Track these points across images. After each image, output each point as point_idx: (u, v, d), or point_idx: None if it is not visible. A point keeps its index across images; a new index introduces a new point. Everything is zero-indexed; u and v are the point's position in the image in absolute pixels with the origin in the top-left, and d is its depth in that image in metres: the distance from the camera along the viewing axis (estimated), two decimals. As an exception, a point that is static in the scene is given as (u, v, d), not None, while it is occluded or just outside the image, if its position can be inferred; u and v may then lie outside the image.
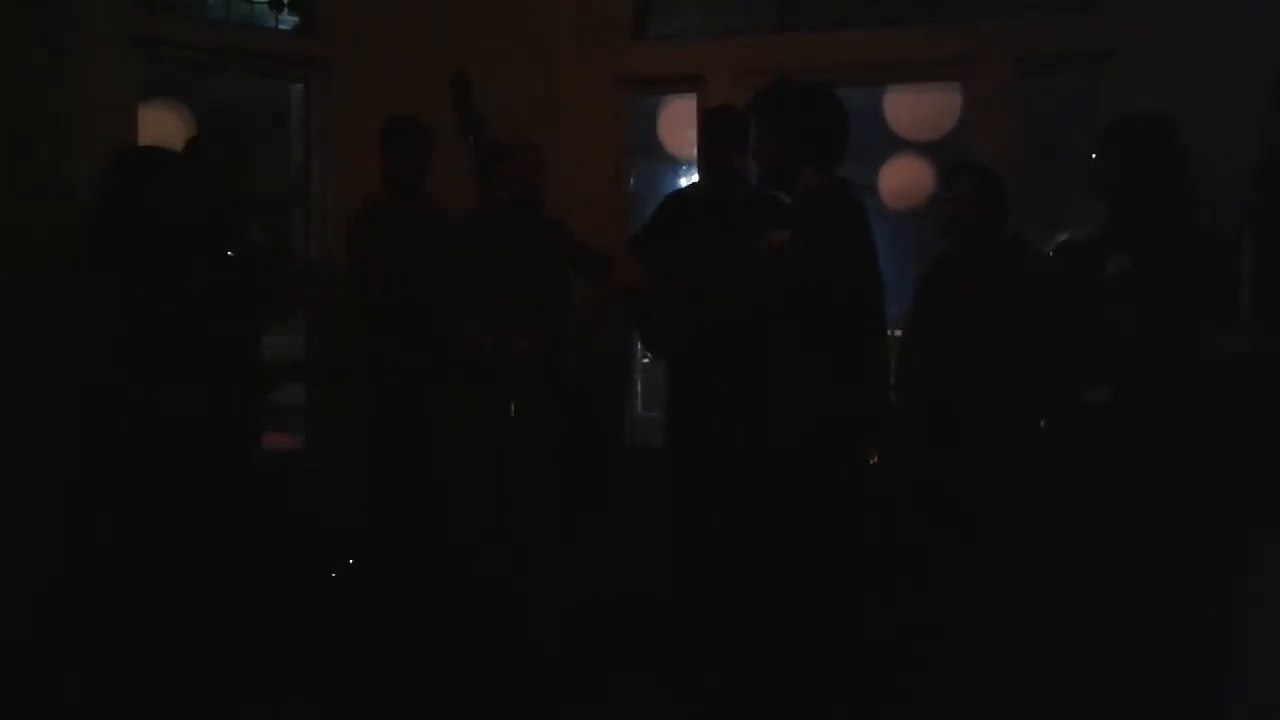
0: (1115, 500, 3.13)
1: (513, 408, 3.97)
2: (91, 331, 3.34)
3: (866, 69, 5.02)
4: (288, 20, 5.19)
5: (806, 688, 3.22)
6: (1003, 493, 3.68)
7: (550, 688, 3.78)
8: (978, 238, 3.98)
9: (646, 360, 5.99)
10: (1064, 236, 4.19)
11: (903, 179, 5.91)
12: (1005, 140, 4.80)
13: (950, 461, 3.85)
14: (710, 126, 4.35)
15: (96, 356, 3.36)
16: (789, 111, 3.33)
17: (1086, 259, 3.42)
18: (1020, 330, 3.73)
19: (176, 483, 3.37)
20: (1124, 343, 3.13)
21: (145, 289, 3.35)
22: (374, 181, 4.56)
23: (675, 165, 6.16)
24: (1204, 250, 3.20)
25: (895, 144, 5.92)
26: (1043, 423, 3.87)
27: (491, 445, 4.00)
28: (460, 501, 4.10)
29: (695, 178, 5.58)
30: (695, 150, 5.36)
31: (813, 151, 3.32)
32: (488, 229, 4.12)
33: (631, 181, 5.40)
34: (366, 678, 3.83)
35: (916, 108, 5.44)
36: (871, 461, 3.98)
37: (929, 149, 5.83)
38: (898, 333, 4.37)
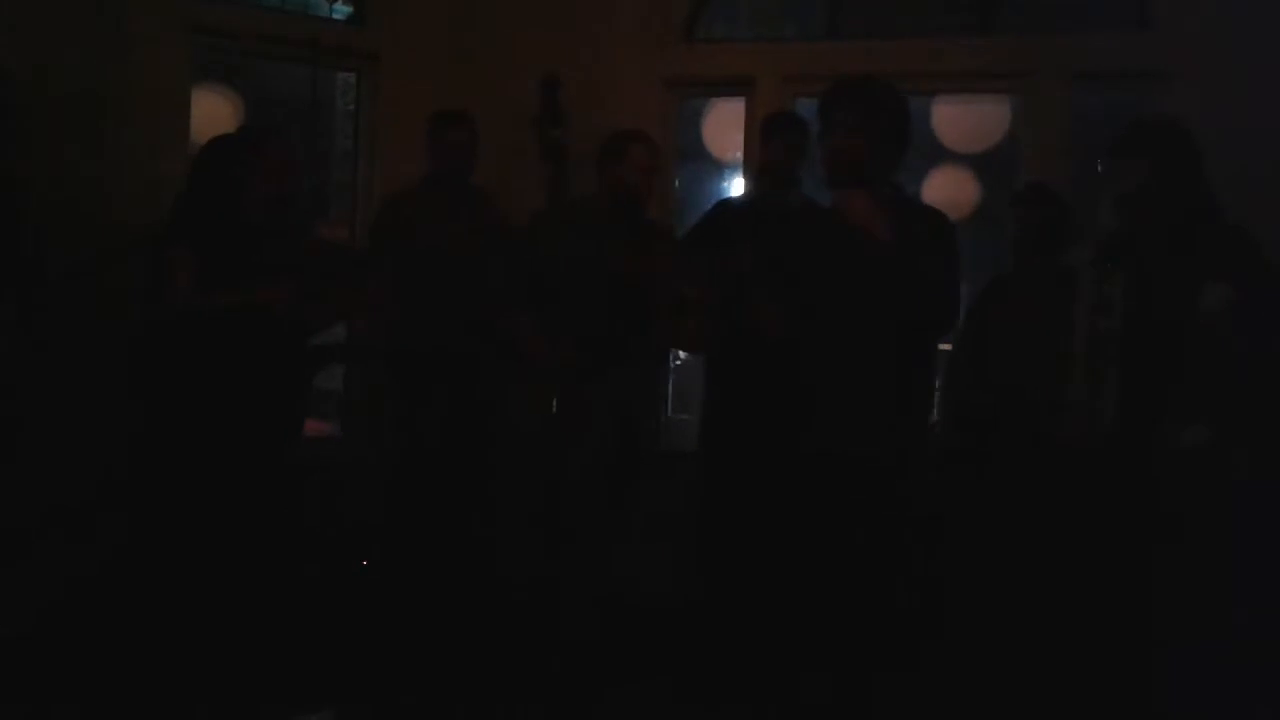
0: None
1: (554, 404, 3.99)
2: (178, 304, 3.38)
3: (917, 78, 4.95)
4: (342, 10, 5.23)
5: (832, 696, 3.20)
6: (1056, 522, 3.58)
7: (579, 689, 3.79)
8: (1040, 260, 3.99)
9: (678, 362, 6.00)
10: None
11: (947, 190, 5.89)
12: (1054, 155, 4.78)
13: (997, 480, 3.81)
14: (772, 131, 4.27)
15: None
16: (879, 108, 3.09)
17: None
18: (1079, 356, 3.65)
19: (228, 469, 3.41)
20: (1228, 379, 3.03)
21: (219, 273, 3.38)
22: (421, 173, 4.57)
23: (719, 168, 6.17)
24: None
25: (938, 154, 5.90)
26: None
27: (535, 442, 4.02)
28: (502, 496, 4.11)
29: (739, 180, 5.60)
30: (739, 153, 5.39)
31: (892, 154, 3.11)
32: (575, 227, 4.05)
33: (676, 183, 5.41)
34: (393, 674, 3.85)
35: (965, 119, 5.42)
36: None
37: (974, 161, 5.81)
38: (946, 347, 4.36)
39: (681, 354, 5.87)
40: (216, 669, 3.39)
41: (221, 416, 3.39)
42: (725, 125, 5.63)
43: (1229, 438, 3.02)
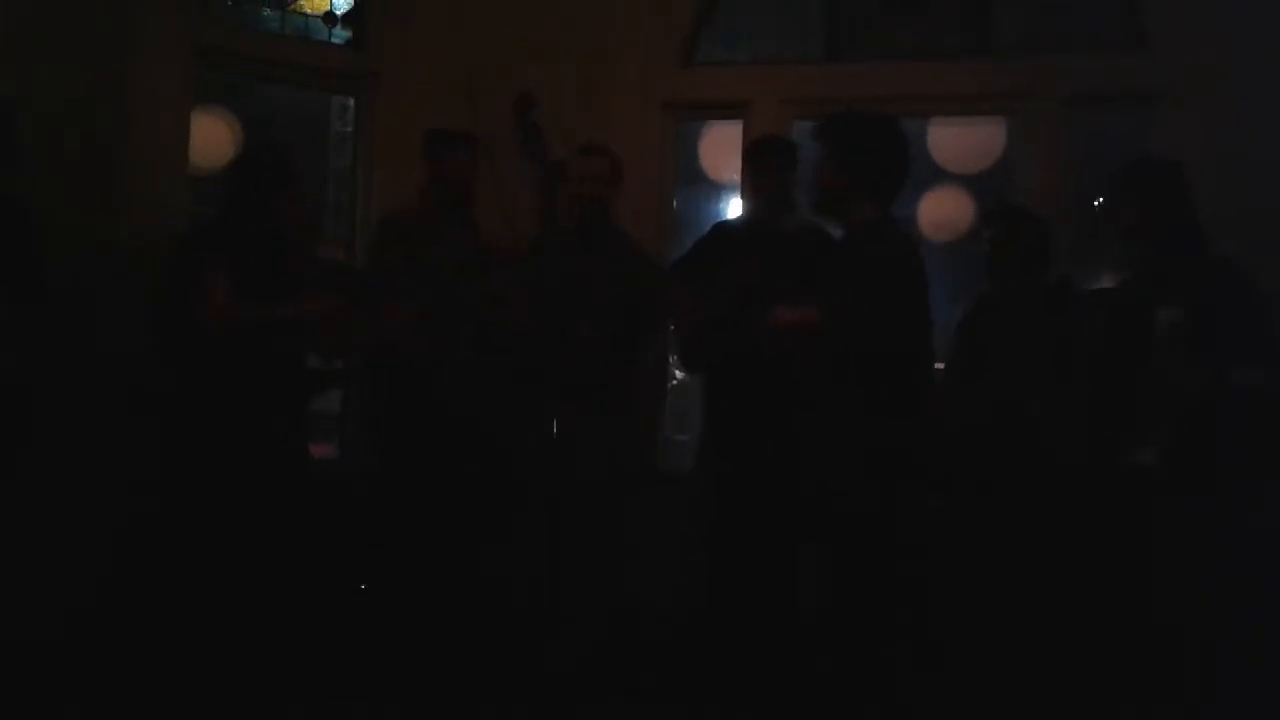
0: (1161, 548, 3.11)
1: (555, 425, 4.01)
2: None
3: (914, 101, 4.99)
4: (340, 34, 5.25)
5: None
6: (1045, 541, 3.60)
7: (570, 707, 3.79)
8: (1019, 280, 3.97)
9: (674, 382, 6.01)
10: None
11: (942, 211, 5.91)
12: (1049, 177, 4.78)
13: (989, 505, 3.81)
14: (758, 155, 4.33)
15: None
16: (849, 140, 3.28)
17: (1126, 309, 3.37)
18: (1064, 377, 3.68)
19: (245, 482, 3.42)
20: (1184, 400, 3.09)
21: (252, 287, 3.40)
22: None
23: (716, 190, 6.19)
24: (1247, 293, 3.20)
25: (935, 175, 5.92)
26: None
27: (531, 459, 4.04)
28: (500, 512, 4.12)
29: (736, 202, 5.62)
30: (737, 176, 5.40)
31: (866, 185, 3.26)
32: (548, 250, 4.11)
33: (675, 205, 5.42)
34: (395, 687, 3.85)
35: (961, 140, 5.44)
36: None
37: (970, 182, 5.84)
38: (938, 366, 4.36)
39: (678, 374, 5.88)
40: (223, 677, 3.41)
41: (245, 430, 3.40)
42: (722, 148, 5.65)
43: (1176, 458, 3.12)
